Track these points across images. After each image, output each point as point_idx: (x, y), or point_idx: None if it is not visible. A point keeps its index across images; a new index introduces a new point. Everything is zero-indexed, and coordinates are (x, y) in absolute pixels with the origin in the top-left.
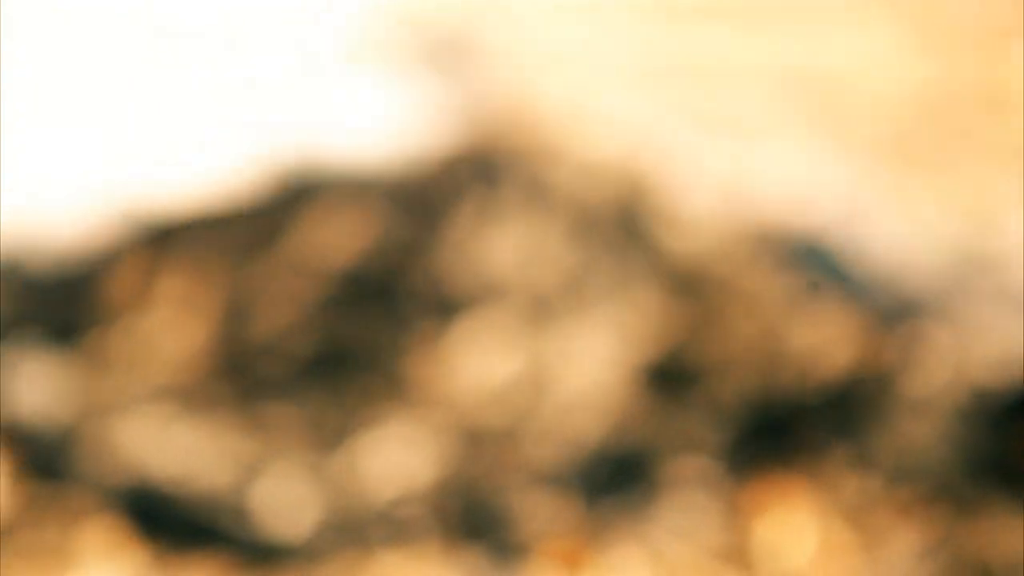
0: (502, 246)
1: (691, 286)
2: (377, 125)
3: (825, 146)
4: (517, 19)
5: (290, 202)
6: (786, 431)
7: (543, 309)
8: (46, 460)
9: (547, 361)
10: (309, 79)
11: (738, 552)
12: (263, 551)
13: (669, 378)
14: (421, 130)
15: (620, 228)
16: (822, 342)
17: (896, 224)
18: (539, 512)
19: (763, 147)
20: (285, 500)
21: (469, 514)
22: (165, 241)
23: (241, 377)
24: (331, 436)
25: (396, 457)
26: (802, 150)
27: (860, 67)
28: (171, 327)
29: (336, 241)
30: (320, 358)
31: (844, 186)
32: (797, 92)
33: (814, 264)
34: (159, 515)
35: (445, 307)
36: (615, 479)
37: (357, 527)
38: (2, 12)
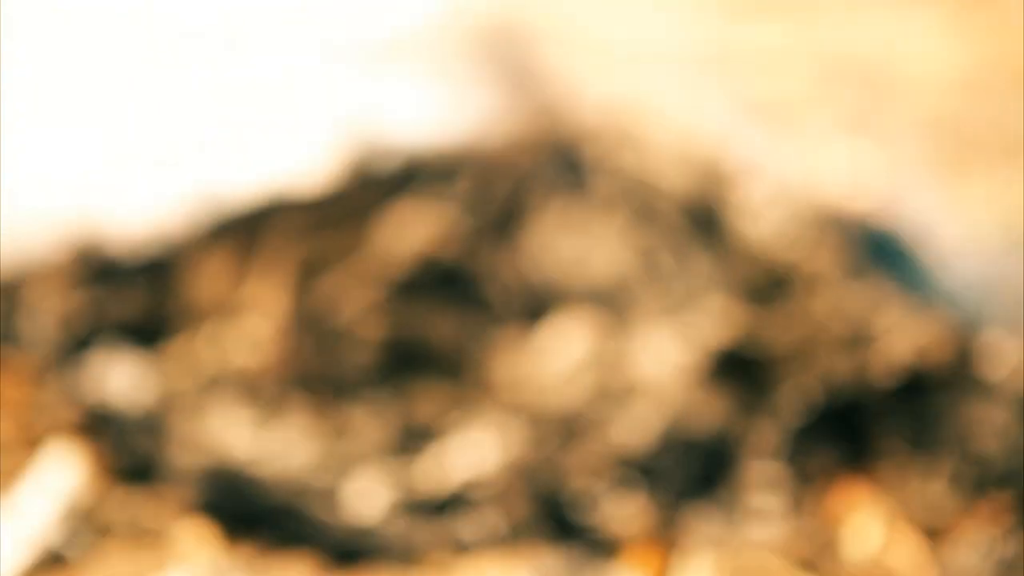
0: (585, 240)
1: (765, 276)
2: (447, 118)
3: (877, 136)
4: (566, 12)
5: (368, 194)
6: (854, 423)
7: (624, 302)
8: (135, 457)
9: (628, 359)
10: (372, 72)
11: (810, 551)
12: (350, 550)
13: (746, 372)
14: (490, 122)
15: (695, 217)
16: (889, 332)
17: (949, 212)
18: (618, 513)
19: (816, 136)
20: (371, 499)
21: (550, 514)
22: (246, 232)
23: (325, 373)
24: (413, 434)
25: (477, 454)
26: (854, 140)
27: (907, 54)
28: (254, 322)
29: (418, 233)
30: (402, 353)
31: (898, 175)
32: (846, 81)
33: (876, 253)
34: (249, 513)
35: (528, 301)
36: (692, 479)
37: (440, 525)
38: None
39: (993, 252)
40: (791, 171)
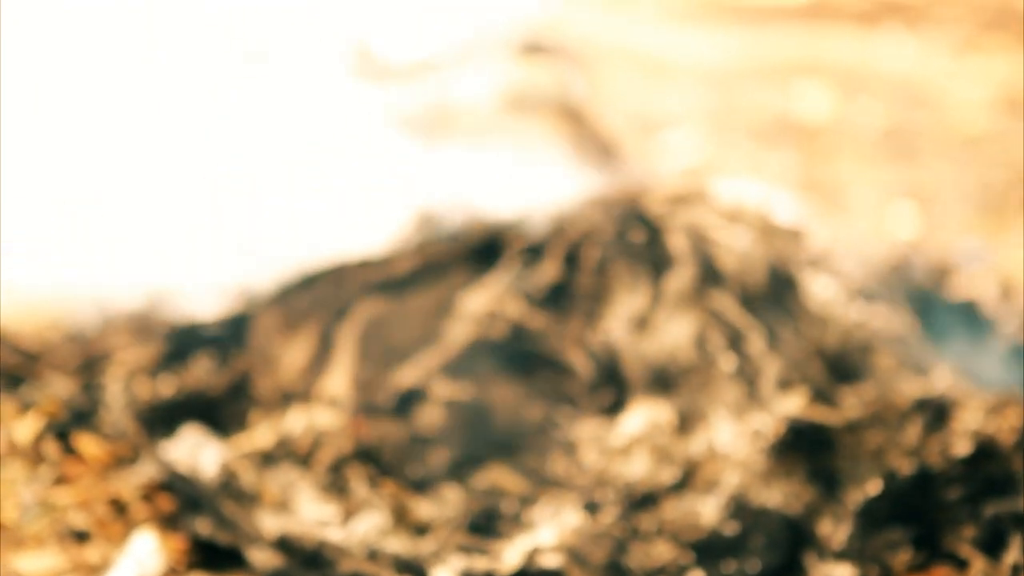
0: (656, 307)
1: (834, 337)
2: (527, 187)
3: (910, 159)
4: (627, 82)
5: (448, 263)
6: (924, 500)
7: (695, 372)
8: (218, 539)
9: (701, 434)
10: (449, 141)
11: None
12: None
13: (817, 443)
14: (568, 190)
15: (764, 276)
16: (956, 401)
17: (988, 260)
18: None
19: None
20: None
21: None
22: (319, 298)
23: (398, 463)
24: (488, 508)
25: (551, 533)
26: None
27: (933, 72)
28: (328, 396)
29: (497, 310)
30: (473, 427)
31: (937, 218)
32: (873, 98)
33: (928, 314)
34: None
35: (608, 387)
36: (767, 559)
37: None
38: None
39: None
40: (838, 226)
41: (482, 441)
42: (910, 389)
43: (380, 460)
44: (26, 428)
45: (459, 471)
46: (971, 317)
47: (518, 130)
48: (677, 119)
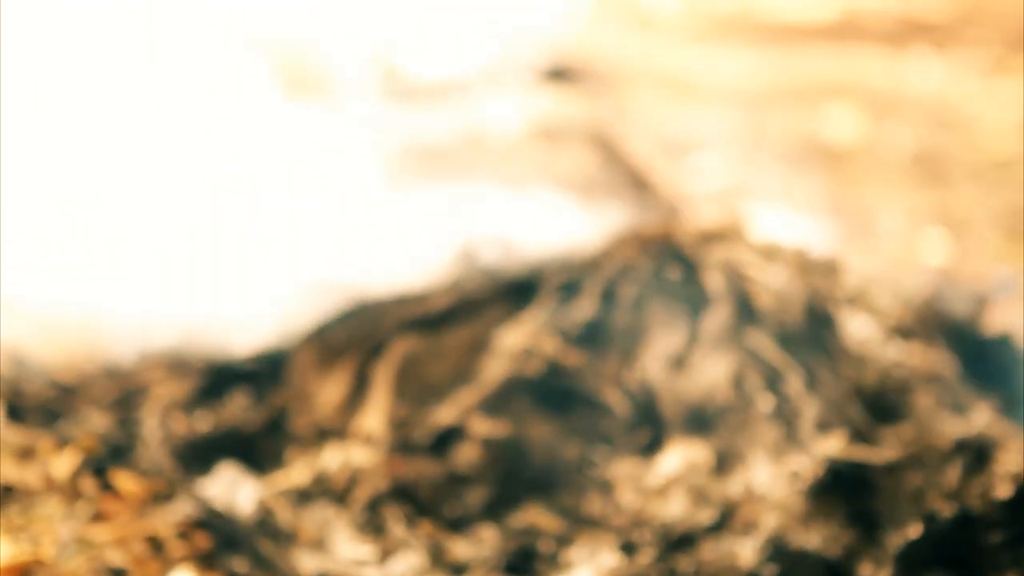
0: (693, 346)
1: (873, 377)
2: (566, 225)
3: (940, 185)
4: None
5: (487, 299)
6: (964, 544)
7: (732, 412)
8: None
9: (739, 475)
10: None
11: None
12: None
13: (856, 485)
14: (606, 227)
15: (802, 314)
16: (996, 443)
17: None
18: None
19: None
20: None
21: None
22: (358, 335)
23: (434, 502)
24: (524, 559)
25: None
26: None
27: (962, 94)
28: (366, 451)
29: (533, 347)
30: (509, 466)
31: (969, 248)
32: (901, 122)
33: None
34: None
35: (645, 426)
36: None
37: None
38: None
39: None
40: (874, 257)
41: (518, 480)
42: (950, 429)
43: (416, 498)
44: (63, 464)
45: (495, 510)
46: (1006, 350)
47: (548, 158)
48: (706, 142)
